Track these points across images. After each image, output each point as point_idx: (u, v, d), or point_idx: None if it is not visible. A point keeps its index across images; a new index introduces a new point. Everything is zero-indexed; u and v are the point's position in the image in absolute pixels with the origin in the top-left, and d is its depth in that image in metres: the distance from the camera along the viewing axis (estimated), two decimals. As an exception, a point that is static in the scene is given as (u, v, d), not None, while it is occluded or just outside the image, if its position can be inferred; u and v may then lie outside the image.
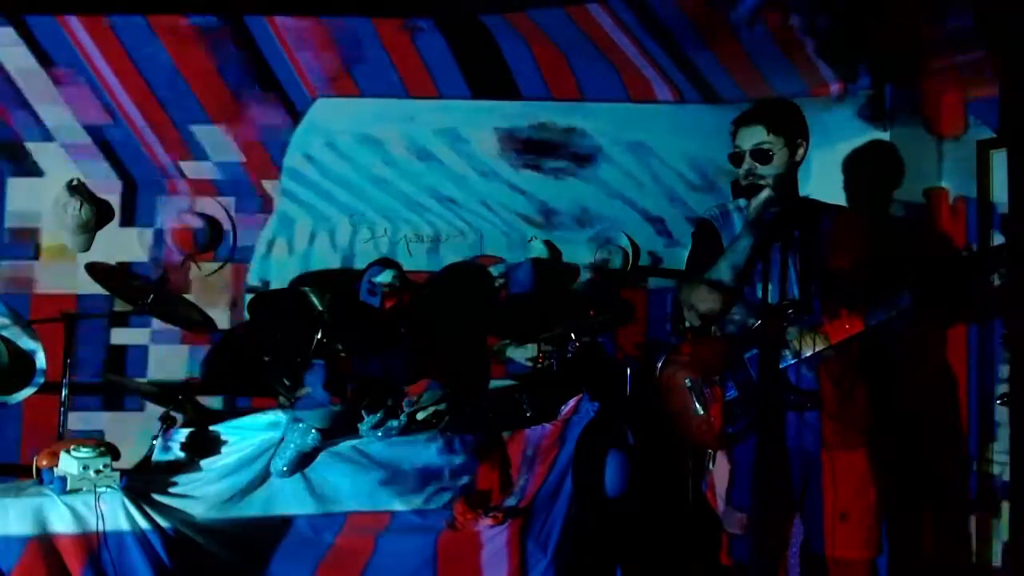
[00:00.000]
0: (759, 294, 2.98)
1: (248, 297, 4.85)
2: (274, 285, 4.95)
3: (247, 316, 4.60)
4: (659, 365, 3.26)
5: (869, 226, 3.25)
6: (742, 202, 3.18)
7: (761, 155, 3.08)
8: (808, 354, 3.01)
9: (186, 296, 4.72)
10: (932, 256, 4.17)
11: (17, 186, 4.91)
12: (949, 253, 4.20)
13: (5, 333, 3.55)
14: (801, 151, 3.15)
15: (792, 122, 3.15)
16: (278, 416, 3.61)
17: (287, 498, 3.50)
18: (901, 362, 3.98)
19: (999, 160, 4.14)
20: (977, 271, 3.24)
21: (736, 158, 3.14)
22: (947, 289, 3.10)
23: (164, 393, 3.87)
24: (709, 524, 3.46)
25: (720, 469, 3.32)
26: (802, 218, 3.11)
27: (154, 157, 4.92)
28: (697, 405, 3.12)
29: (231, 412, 4.43)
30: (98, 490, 3.21)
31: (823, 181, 4.28)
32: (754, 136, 3.10)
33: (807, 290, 3.08)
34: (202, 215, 4.94)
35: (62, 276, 4.87)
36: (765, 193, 3.04)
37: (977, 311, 4.06)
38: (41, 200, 4.86)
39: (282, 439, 3.53)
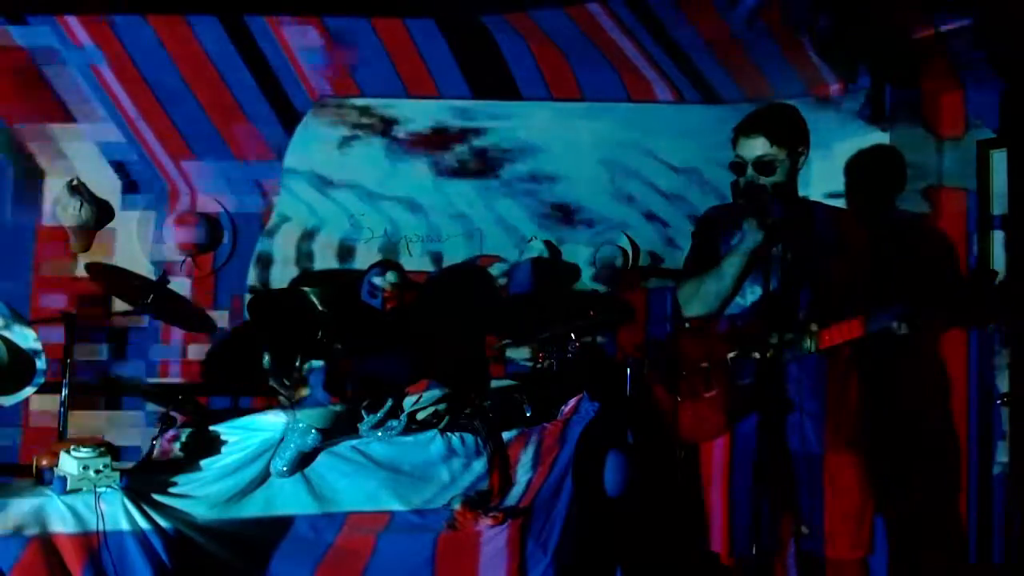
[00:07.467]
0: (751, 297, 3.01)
1: (248, 297, 4.86)
2: (274, 285, 4.95)
3: (247, 316, 4.61)
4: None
5: (870, 229, 3.23)
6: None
7: (764, 167, 3.07)
8: (799, 355, 3.01)
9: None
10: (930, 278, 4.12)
11: (18, 185, 4.92)
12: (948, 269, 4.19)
13: (5, 333, 3.54)
14: (803, 159, 3.14)
15: (794, 130, 3.13)
16: (278, 416, 3.61)
17: (287, 498, 3.50)
18: (895, 362, 3.96)
19: (999, 160, 4.14)
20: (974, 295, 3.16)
21: (738, 167, 3.12)
22: (943, 306, 3.05)
23: (164, 393, 3.87)
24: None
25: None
26: (801, 221, 3.10)
27: (154, 157, 4.92)
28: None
29: (231, 412, 4.43)
30: (98, 490, 3.21)
31: (823, 182, 4.29)
32: (756, 147, 3.07)
33: (794, 293, 3.05)
34: (202, 214, 4.94)
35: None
36: (755, 236, 2.99)
37: (975, 316, 4.04)
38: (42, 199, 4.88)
39: (282, 439, 3.53)
